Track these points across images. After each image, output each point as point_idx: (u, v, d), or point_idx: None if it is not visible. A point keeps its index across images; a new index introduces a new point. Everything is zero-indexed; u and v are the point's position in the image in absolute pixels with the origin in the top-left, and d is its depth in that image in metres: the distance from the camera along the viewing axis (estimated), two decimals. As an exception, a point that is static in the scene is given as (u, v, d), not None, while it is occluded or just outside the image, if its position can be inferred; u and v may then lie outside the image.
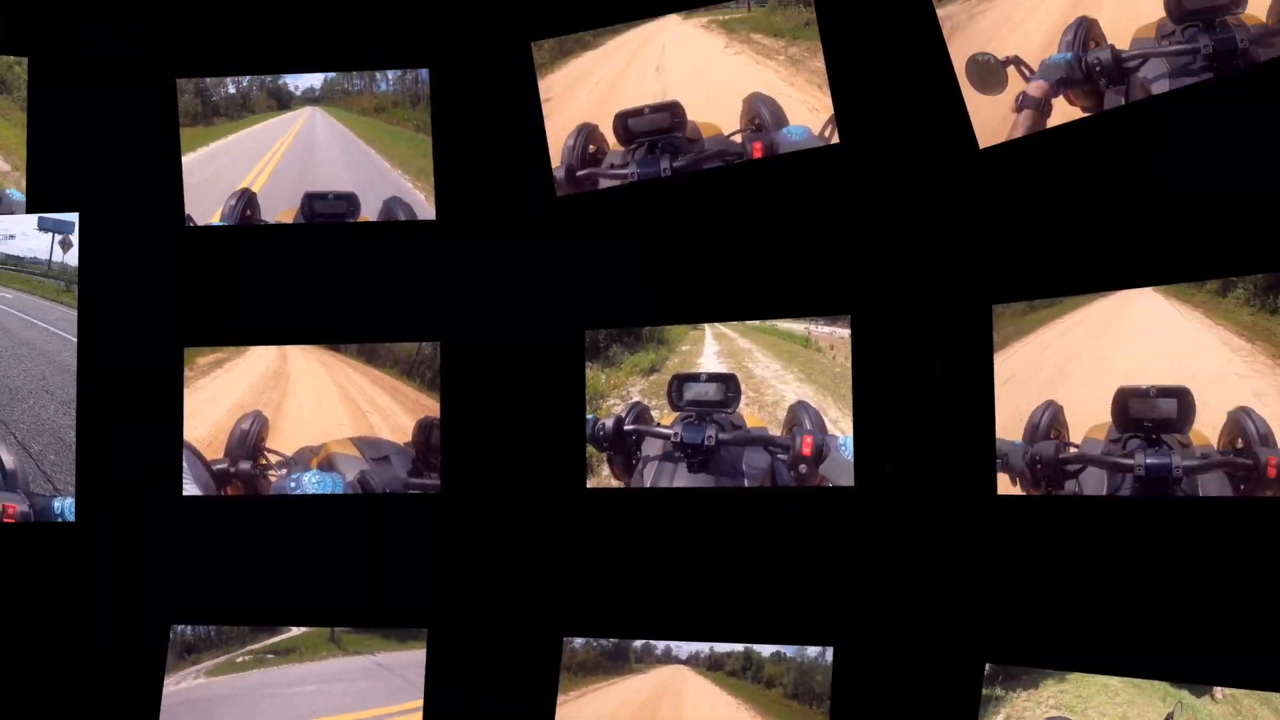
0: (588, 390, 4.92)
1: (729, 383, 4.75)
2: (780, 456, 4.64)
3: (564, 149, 4.96)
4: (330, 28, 5.21)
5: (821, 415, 4.59)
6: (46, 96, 5.17)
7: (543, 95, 4.98)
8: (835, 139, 4.62)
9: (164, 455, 5.09)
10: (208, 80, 5.20)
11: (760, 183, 4.73)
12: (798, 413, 4.63)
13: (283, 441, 5.10)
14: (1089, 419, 4.12)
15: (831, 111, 4.62)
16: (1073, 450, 4.14)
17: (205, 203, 5.18)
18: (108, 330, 5.13)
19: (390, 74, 5.16)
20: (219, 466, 5.09)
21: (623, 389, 4.89)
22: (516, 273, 5.03)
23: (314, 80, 5.22)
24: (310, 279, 5.14)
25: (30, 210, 5.12)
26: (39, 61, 5.16)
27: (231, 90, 5.23)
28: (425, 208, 5.09)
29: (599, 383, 4.91)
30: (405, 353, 5.07)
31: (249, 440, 5.07)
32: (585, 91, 4.97)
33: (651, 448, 4.83)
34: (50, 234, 5.12)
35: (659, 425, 4.83)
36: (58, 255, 5.11)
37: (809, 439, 4.58)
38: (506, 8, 5.05)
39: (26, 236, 5.13)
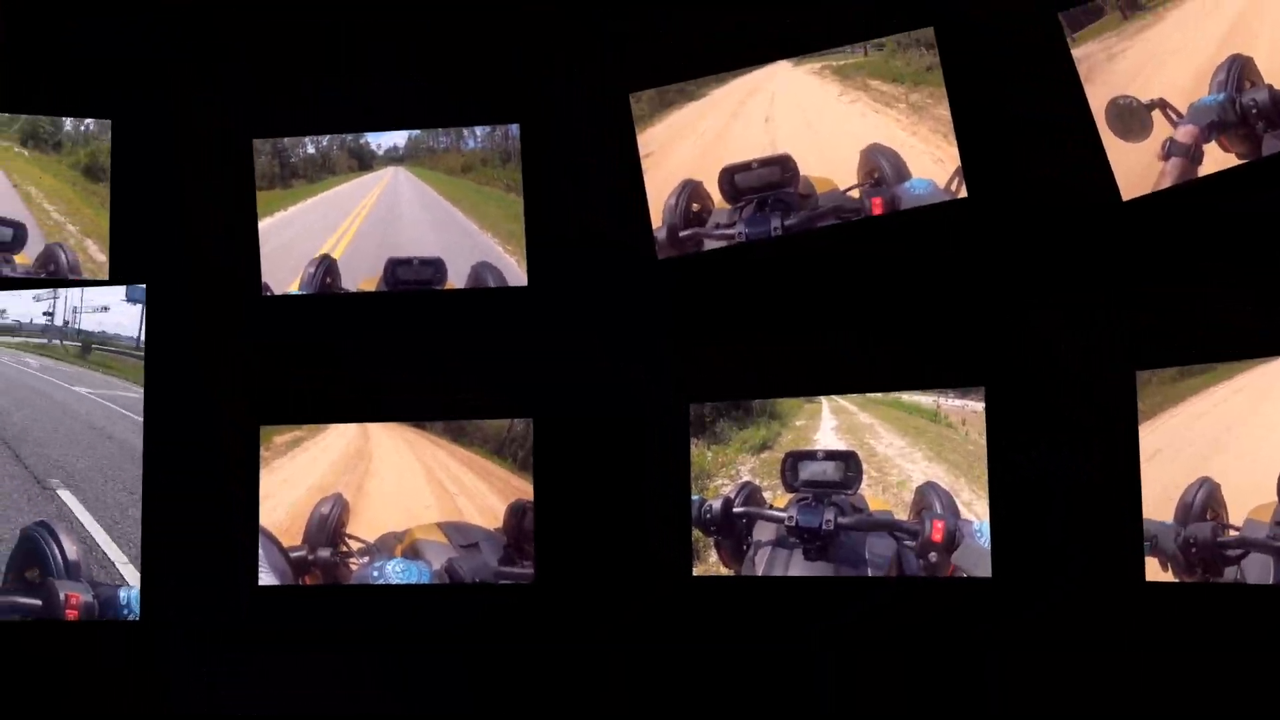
0: (693, 469, 4.87)
1: (849, 461, 4.68)
2: (908, 543, 4.56)
3: (665, 208, 4.93)
4: (414, 82, 5.24)
5: (953, 497, 4.52)
6: (128, 160, 5.22)
7: (642, 150, 4.96)
8: (963, 192, 4.56)
9: (238, 542, 5.09)
10: (285, 140, 5.25)
11: (881, 241, 4.68)
12: (927, 494, 4.56)
13: (364, 527, 5.08)
14: (1250, 498, 4.02)
15: (958, 163, 4.56)
16: (1233, 533, 4.05)
17: (282, 270, 5.20)
18: (178, 407, 5.12)
19: (478, 130, 5.18)
20: (297, 554, 5.07)
21: (732, 468, 4.84)
22: (615, 342, 5.01)
23: (397, 138, 5.25)
24: (394, 351, 5.15)
25: (112, 280, 5.18)
26: (121, 124, 5.24)
27: (310, 150, 5.26)
28: (516, 273, 5.07)
29: (705, 461, 4.87)
30: (495, 430, 5.05)
31: (329, 525, 5.06)
32: (688, 145, 4.95)
33: (764, 532, 4.77)
34: (139, 305, 5.17)
35: (772, 508, 4.77)
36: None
37: (940, 524, 4.50)
38: (602, 57, 5.06)
39: (118, 310, 5.19)
